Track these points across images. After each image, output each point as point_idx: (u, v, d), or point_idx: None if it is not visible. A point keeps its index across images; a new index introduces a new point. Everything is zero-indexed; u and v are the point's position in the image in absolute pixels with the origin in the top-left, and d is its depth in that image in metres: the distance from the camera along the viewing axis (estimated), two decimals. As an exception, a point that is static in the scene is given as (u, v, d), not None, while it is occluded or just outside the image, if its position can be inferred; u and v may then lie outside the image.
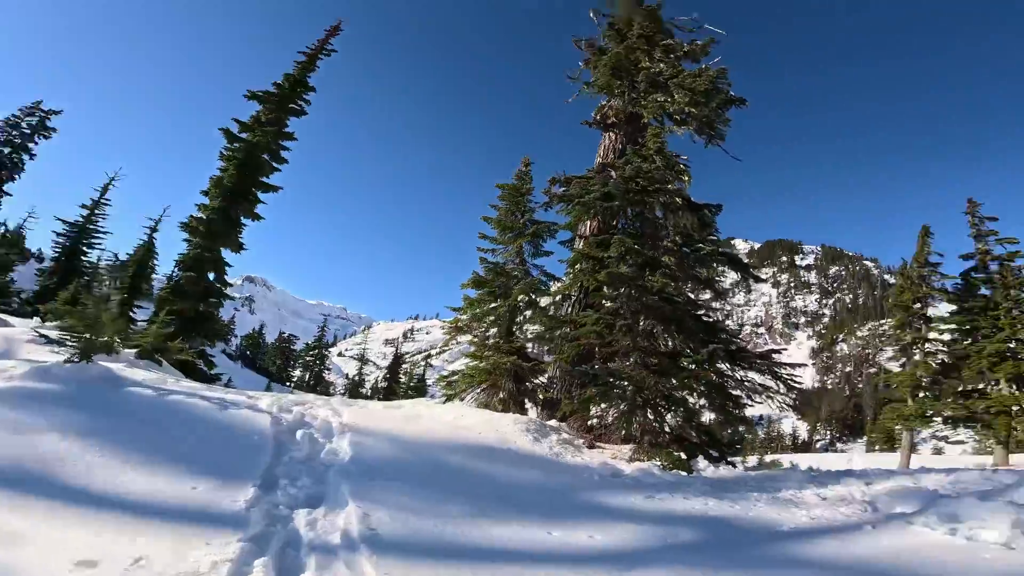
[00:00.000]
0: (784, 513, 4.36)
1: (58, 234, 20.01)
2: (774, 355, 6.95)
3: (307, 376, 66.52)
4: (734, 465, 6.55)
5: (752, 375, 7.23)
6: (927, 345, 23.17)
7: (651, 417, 6.94)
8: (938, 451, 45.48)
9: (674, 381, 6.99)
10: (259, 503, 3.55)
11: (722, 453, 6.74)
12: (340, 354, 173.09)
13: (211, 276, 14.42)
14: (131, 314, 13.78)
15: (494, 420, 7.06)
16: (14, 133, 33.15)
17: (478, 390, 9.09)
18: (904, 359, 23.68)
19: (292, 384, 59.74)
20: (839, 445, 75.07)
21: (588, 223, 9.72)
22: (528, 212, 11.16)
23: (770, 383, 7.03)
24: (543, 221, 11.01)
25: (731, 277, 9.60)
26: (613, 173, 8.69)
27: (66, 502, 3.25)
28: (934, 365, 22.33)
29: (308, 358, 68.14)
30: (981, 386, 21.20)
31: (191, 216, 14.35)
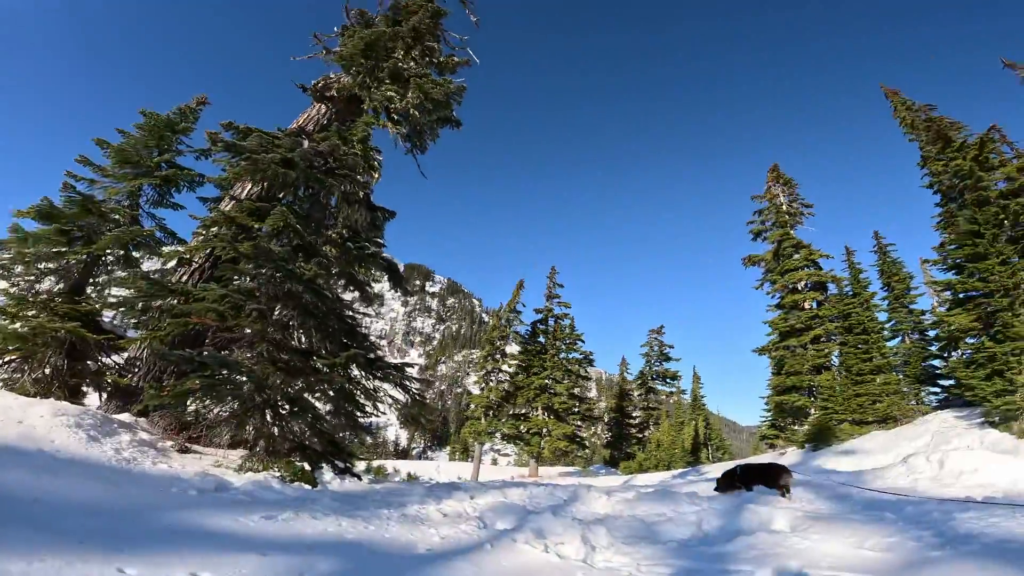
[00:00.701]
0: (416, 532, 4.25)
1: None
2: (407, 368, 7.15)
3: None
4: (359, 477, 6.24)
5: (382, 385, 7.22)
6: (500, 375, 29.64)
7: (269, 420, 5.95)
8: (495, 462, 58.12)
9: (301, 383, 6.27)
10: None
11: (346, 463, 6.37)
12: None
13: None
14: None
15: (19, 408, 4.68)
16: None
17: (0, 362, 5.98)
18: (484, 384, 29.42)
19: None
20: (430, 453, 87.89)
21: (248, 186, 8.08)
22: (171, 153, 8.60)
23: (398, 394, 7.15)
24: (185, 168, 8.64)
25: (379, 285, 9.70)
26: (306, 142, 7.51)
27: None
28: (501, 391, 28.61)
29: None
30: (526, 412, 28.50)
31: None
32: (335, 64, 9.80)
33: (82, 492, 3.62)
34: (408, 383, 7.09)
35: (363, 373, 6.90)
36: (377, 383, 6.60)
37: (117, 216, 7.47)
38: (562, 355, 29.54)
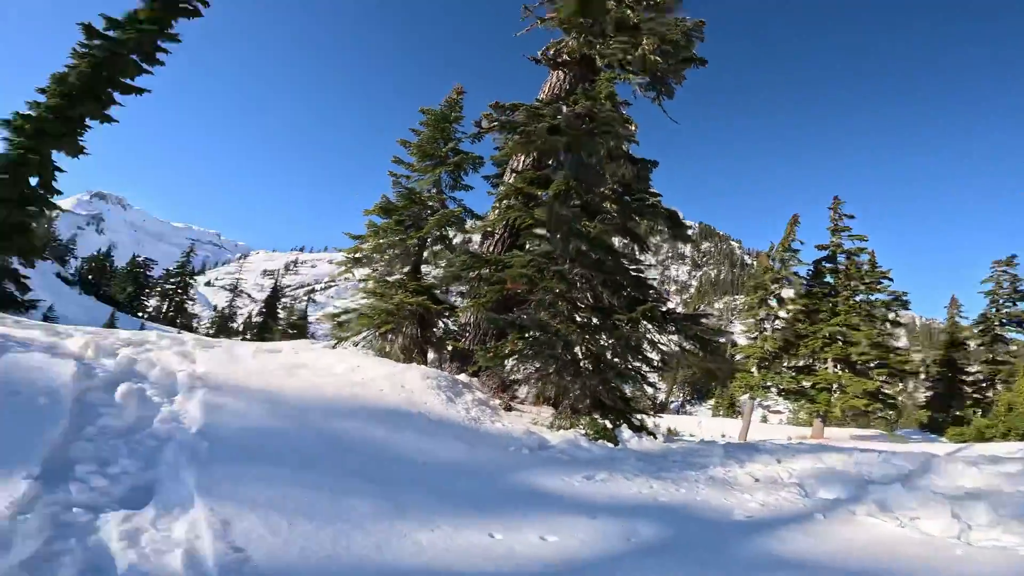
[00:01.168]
0: (730, 498, 3.99)
1: None
2: (703, 319, 6.72)
3: (165, 307, 58.71)
4: (654, 435, 6.27)
5: (659, 338, 6.97)
6: (775, 322, 25.77)
7: (570, 377, 6.37)
8: (764, 419, 52.54)
9: (601, 339, 6.46)
10: (35, 505, 2.24)
11: (640, 421, 6.45)
12: (209, 283, 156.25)
13: (34, 182, 11.21)
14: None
15: (399, 374, 6.00)
16: None
17: (375, 333, 7.89)
18: (755, 333, 26.08)
19: (145, 315, 52.38)
20: (689, 407, 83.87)
21: (522, 158, 8.72)
22: (453, 141, 9.89)
23: (688, 346, 6.80)
24: (468, 152, 9.81)
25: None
26: (564, 108, 7.73)
27: None
28: (777, 341, 24.86)
29: (168, 286, 59.98)
30: (811, 364, 24.22)
31: (16, 113, 11.17)
32: (556, 31, 9.61)
33: (450, 453, 4.27)
34: (704, 334, 6.66)
35: (653, 326, 6.75)
36: (661, 335, 6.41)
37: (432, 203, 8.90)
38: (860, 297, 24.19)
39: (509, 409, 6.22)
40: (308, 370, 5.74)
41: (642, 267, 7.15)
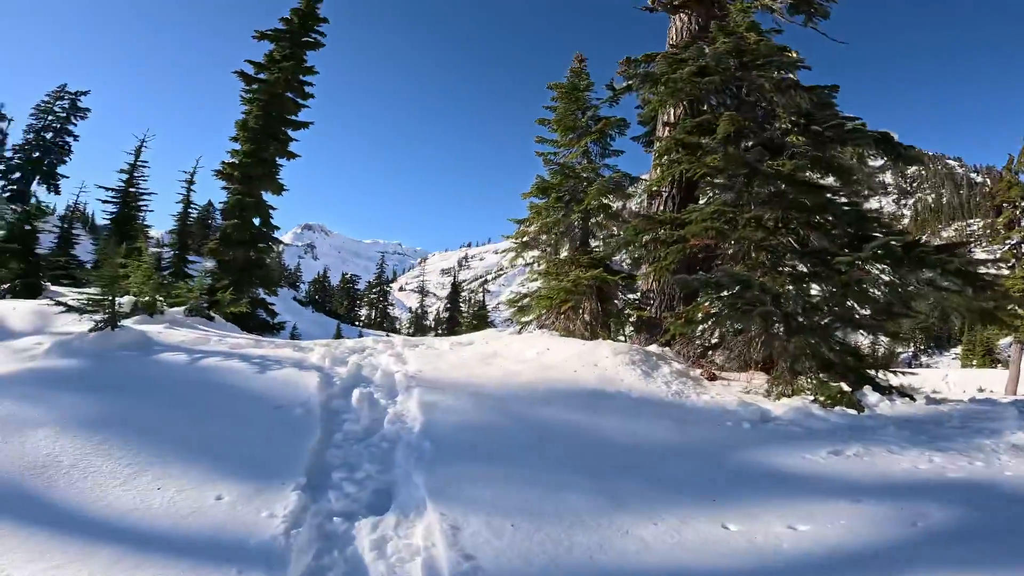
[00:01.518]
0: None
1: (104, 202, 20.10)
2: (959, 251, 5.09)
3: (373, 314, 69.11)
4: (912, 397, 5.00)
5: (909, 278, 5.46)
6: None
7: (783, 335, 5.40)
8: None
9: (820, 288, 5.37)
10: (305, 516, 2.49)
11: (887, 381, 5.21)
12: (401, 288, 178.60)
13: (257, 222, 13.69)
14: (184, 270, 13.48)
15: (588, 352, 5.78)
16: (50, 118, 33.31)
17: (555, 314, 7.83)
18: (1011, 261, 20.05)
19: (360, 323, 62.27)
20: (924, 359, 67.64)
21: (671, 110, 7.79)
22: (591, 109, 9.36)
23: (948, 284, 5.22)
24: (609, 117, 9.16)
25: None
26: (706, 48, 6.64)
27: (49, 530, 2.32)
28: None
29: (372, 296, 70.52)
30: None
31: (223, 163, 13.43)
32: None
33: (659, 432, 3.90)
34: (968, 267, 5.07)
35: (888, 265, 5.36)
36: (899, 276, 4.93)
37: (586, 174, 8.48)
38: None
39: (713, 378, 5.56)
40: (501, 358, 5.87)
41: (859, 199, 5.77)
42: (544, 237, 8.38)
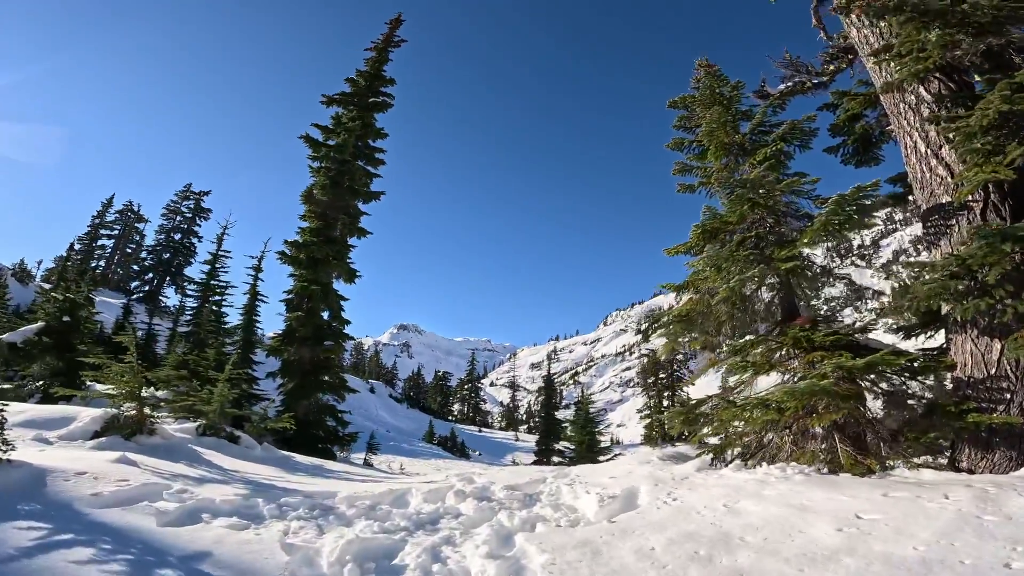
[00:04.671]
0: None
1: (185, 294, 19.88)
2: None
3: (465, 408, 66.88)
4: None
5: None
6: None
7: None
8: None
9: None
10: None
11: None
12: (492, 384, 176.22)
13: (326, 315, 11.69)
14: (250, 372, 11.62)
15: (942, 533, 2.21)
16: (178, 219, 36.59)
17: (781, 433, 4.30)
18: None
19: (454, 418, 59.99)
20: None
21: (917, 86, 4.56)
22: (746, 116, 6.51)
23: None
24: (797, 120, 6.13)
25: None
26: None
27: None
28: None
29: (464, 392, 68.85)
30: None
31: (286, 242, 11.78)
32: None
33: None
34: None
35: None
36: None
37: (770, 203, 5.29)
38: None
39: None
40: (745, 549, 2.47)
41: None
42: (724, 308, 5.02)
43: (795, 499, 3.04)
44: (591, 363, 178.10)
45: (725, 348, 5.37)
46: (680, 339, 5.69)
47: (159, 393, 10.85)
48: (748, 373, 4.60)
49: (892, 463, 4.04)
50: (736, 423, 4.40)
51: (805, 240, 4.54)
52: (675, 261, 6.34)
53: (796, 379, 4.13)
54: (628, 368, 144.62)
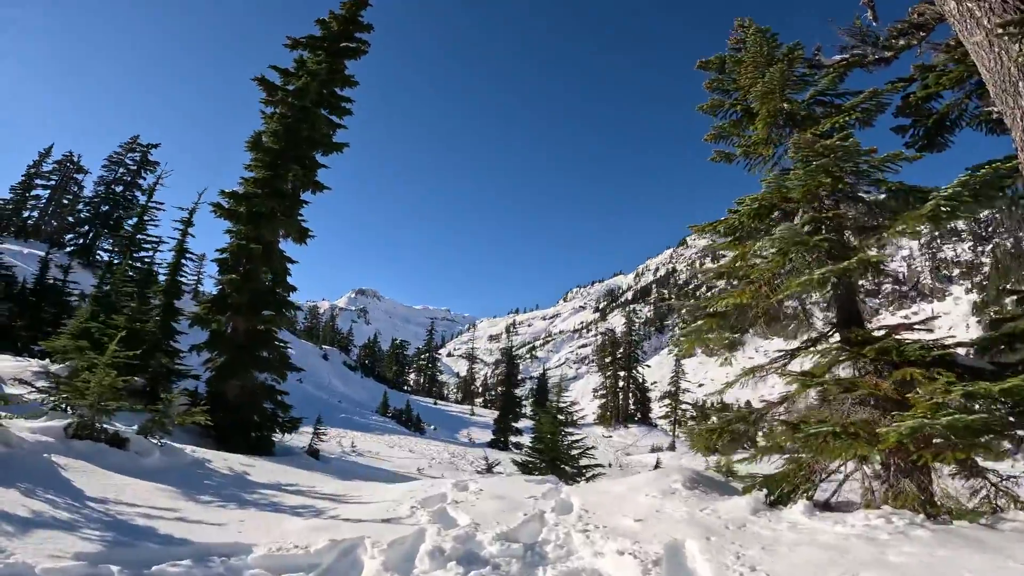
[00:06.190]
0: None
1: (105, 251, 17.42)
2: None
3: (421, 379, 65.59)
4: None
5: None
6: None
7: None
8: None
9: None
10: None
11: None
12: (449, 354, 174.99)
13: (269, 279, 10.01)
14: (171, 344, 9.90)
15: None
16: (120, 171, 33.07)
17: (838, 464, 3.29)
18: None
19: (409, 388, 58.61)
20: None
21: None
22: (801, 84, 5.39)
23: None
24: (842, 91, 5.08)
25: None
26: None
27: None
28: None
29: (421, 362, 67.41)
30: None
31: (223, 192, 9.85)
32: None
33: None
34: None
35: None
36: None
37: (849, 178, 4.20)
38: None
39: None
40: None
41: None
42: (790, 304, 3.91)
43: (946, 570, 1.97)
44: (549, 338, 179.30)
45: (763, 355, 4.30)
46: (707, 338, 4.59)
47: (53, 367, 9.04)
48: (814, 389, 3.52)
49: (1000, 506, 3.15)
50: (803, 453, 3.34)
51: (900, 227, 3.43)
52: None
53: (881, 402, 3.07)
54: (585, 345, 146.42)
